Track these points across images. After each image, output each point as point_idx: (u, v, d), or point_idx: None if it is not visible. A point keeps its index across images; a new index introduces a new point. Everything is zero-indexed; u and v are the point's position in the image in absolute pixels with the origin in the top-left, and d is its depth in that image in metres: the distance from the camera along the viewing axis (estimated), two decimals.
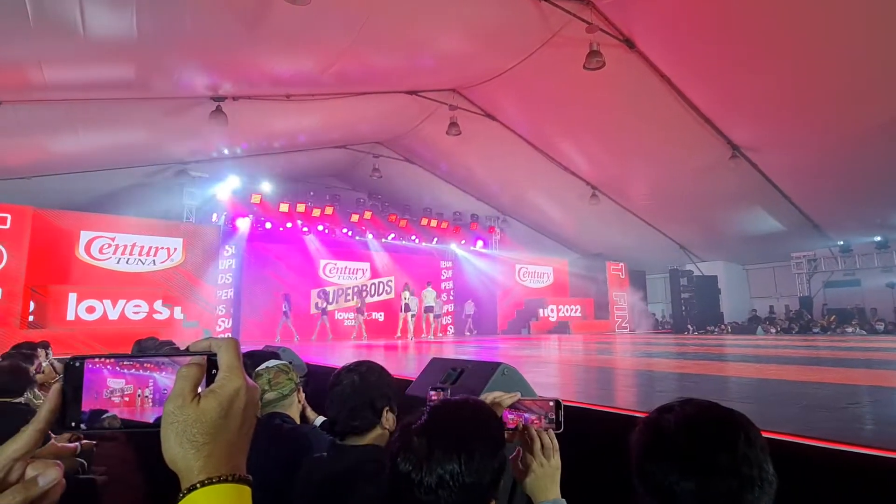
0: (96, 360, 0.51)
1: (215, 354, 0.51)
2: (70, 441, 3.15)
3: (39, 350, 4.27)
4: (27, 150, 9.39)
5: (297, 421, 2.11)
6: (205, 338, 0.53)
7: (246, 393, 0.50)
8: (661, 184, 13.41)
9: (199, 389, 0.49)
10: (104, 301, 10.16)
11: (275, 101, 10.01)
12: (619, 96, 10.24)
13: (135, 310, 10.46)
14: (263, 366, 2.20)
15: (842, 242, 15.42)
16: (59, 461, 0.50)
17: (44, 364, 4.63)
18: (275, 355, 2.53)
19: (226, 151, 12.11)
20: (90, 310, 10.00)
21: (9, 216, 9.13)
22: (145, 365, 0.51)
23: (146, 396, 0.51)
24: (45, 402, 0.49)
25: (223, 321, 12.52)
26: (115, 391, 0.50)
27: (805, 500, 1.51)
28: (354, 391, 1.54)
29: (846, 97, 8.91)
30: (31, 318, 9.38)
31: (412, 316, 14.10)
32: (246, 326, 13.29)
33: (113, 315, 10.20)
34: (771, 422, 2.07)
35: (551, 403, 1.22)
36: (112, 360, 0.51)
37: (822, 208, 13.28)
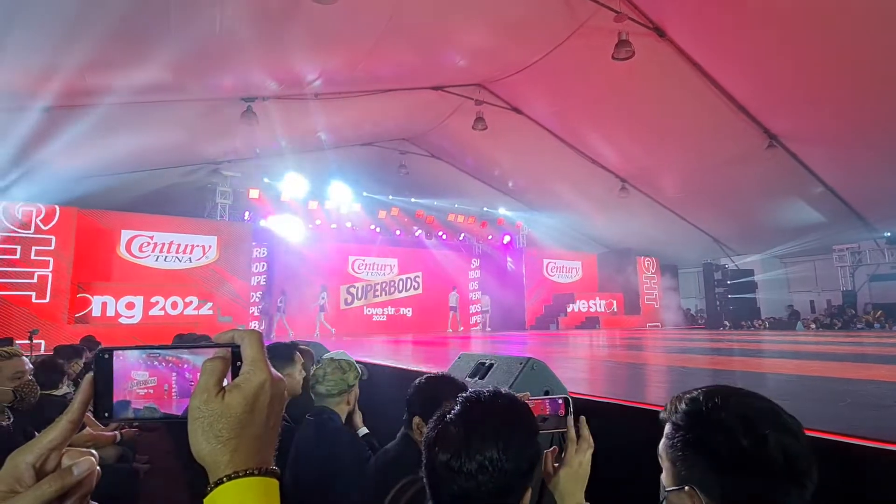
0: (125, 351, 0.52)
1: (239, 346, 0.51)
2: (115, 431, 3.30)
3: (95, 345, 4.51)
4: (72, 153, 9.81)
5: (343, 421, 2.10)
6: (227, 330, 0.53)
7: (271, 387, 0.50)
8: (694, 175, 13.04)
9: (225, 382, 0.50)
10: (145, 297, 10.57)
11: (303, 101, 10.16)
12: (648, 86, 9.98)
13: (173, 306, 10.84)
14: (329, 355, 2.21)
15: (888, 234, 14.68)
16: (93, 451, 0.51)
17: None
18: (294, 347, 2.50)
19: (257, 151, 12.38)
20: (131, 306, 10.42)
21: (56, 216, 9.59)
22: (168, 358, 0.52)
23: (171, 388, 0.52)
24: (77, 394, 0.51)
25: (255, 323, 12.87)
26: (139, 383, 0.51)
27: (852, 500, 1.45)
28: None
29: (894, 81, 8.45)
30: (77, 313, 9.84)
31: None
32: (277, 322, 13.63)
33: (153, 311, 10.60)
34: (813, 420, 1.99)
35: (560, 401, 1.19)
36: (139, 351, 0.52)
37: (867, 198, 12.64)
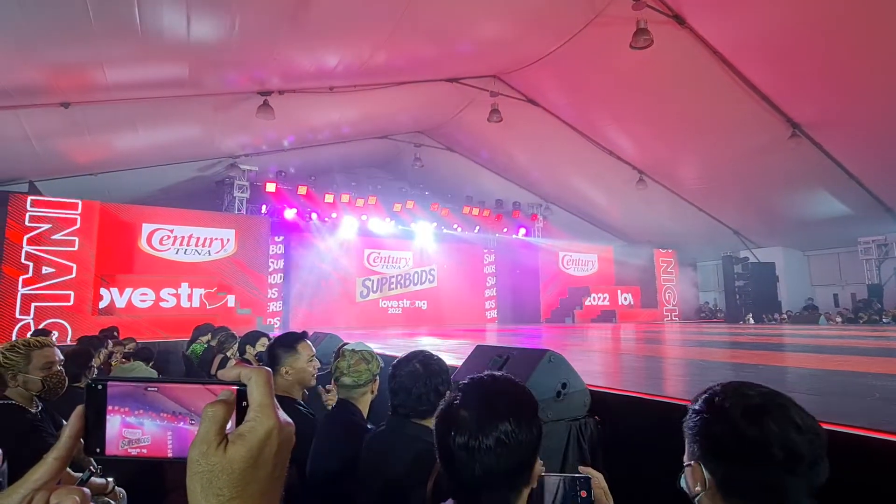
0: (118, 383, 0.47)
1: (245, 385, 0.47)
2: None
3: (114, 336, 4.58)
4: (93, 148, 10.01)
5: (366, 413, 2.11)
6: (234, 366, 0.49)
7: (279, 434, 0.46)
8: (714, 166, 12.78)
9: (229, 426, 0.45)
10: (165, 290, 10.78)
11: (319, 94, 10.20)
12: (668, 76, 9.79)
13: (193, 298, 11.04)
14: (350, 346, 2.23)
15: None
16: (84, 488, 0.47)
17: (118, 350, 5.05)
18: (304, 336, 2.46)
19: (273, 145, 12.49)
20: (153, 298, 10.64)
21: (79, 210, 9.81)
22: (163, 415, 0.47)
23: (168, 447, 0.47)
24: (65, 428, 0.47)
25: (274, 309, 13.05)
26: (131, 441, 0.47)
27: (885, 496, 1.42)
28: (417, 379, 1.66)
29: None
30: (101, 305, 10.08)
31: None
32: (295, 314, 13.81)
33: (173, 303, 10.81)
34: (841, 414, 1.95)
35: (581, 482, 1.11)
36: (134, 384, 0.47)
37: (895, 189, 12.27)
